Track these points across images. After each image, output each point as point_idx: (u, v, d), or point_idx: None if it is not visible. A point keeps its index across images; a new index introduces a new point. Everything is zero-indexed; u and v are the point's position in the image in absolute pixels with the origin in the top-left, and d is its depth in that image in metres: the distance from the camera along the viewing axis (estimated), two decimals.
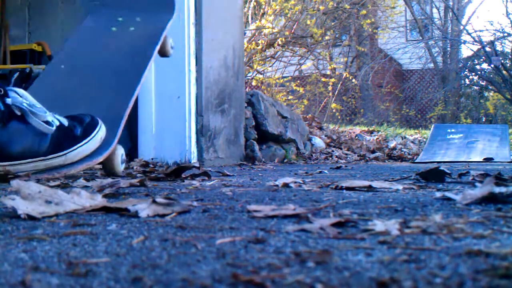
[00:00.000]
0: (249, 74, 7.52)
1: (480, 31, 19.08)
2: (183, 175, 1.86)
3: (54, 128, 1.63)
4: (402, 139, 7.32)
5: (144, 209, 0.91)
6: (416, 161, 4.49)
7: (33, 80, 3.64)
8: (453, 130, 5.79)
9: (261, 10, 7.27)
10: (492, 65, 11.86)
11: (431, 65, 15.38)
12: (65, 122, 1.67)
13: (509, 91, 12.23)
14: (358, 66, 14.16)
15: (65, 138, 1.65)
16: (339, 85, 10.10)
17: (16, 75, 3.57)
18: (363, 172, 2.41)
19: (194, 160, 3.17)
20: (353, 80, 11.29)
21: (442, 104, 15.07)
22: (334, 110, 10.31)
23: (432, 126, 6.17)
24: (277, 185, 1.50)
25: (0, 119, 1.54)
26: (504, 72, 12.06)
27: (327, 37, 8.63)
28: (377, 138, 6.88)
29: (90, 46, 2.04)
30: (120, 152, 1.84)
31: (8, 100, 1.62)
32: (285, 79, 8.63)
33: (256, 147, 3.93)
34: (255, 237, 0.69)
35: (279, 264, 0.54)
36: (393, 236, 0.68)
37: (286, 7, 7.19)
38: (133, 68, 1.66)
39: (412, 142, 7.38)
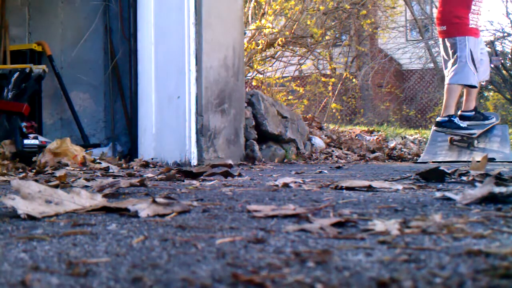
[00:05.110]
0: (249, 74, 7.51)
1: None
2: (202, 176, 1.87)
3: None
4: (402, 139, 7.32)
5: (144, 209, 0.91)
6: (418, 161, 4.51)
7: (33, 80, 3.65)
8: None
9: (261, 10, 7.26)
10: (492, 65, 11.86)
11: (431, 65, 15.38)
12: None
13: (509, 91, 12.23)
14: (358, 66, 14.15)
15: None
16: (339, 85, 10.09)
17: (16, 75, 3.57)
18: (363, 172, 2.41)
19: (194, 160, 3.16)
20: (353, 80, 11.28)
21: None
22: (334, 110, 10.31)
23: (433, 126, 6.16)
24: (277, 185, 1.50)
25: None
26: (504, 72, 12.06)
27: (327, 37, 8.62)
28: (377, 138, 6.88)
29: None
30: None
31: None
32: (285, 79, 8.62)
33: (256, 147, 3.92)
34: (255, 237, 0.69)
35: (279, 264, 0.54)
36: (393, 236, 0.68)
37: (286, 7, 7.18)
38: None
39: (412, 142, 7.38)
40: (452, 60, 4.49)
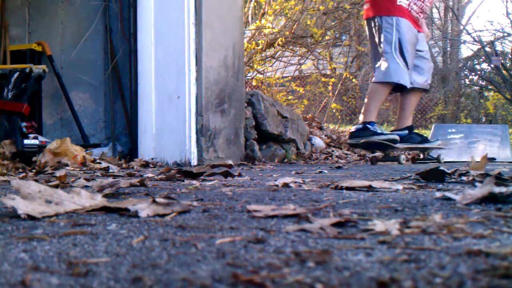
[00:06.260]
0: (249, 74, 7.51)
1: (480, 31, 19.10)
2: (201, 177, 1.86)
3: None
4: None
5: (144, 209, 0.91)
6: (418, 161, 4.48)
7: (33, 80, 3.65)
8: (453, 130, 5.78)
9: (261, 10, 7.26)
10: (492, 65, 11.85)
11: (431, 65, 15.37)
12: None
13: (509, 91, 12.22)
14: (358, 66, 14.14)
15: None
16: (339, 85, 10.09)
17: (16, 75, 3.57)
18: (363, 172, 2.41)
19: (194, 160, 3.16)
20: (353, 80, 11.27)
21: (442, 104, 15.07)
22: (334, 110, 10.30)
23: (433, 126, 6.16)
24: (277, 185, 1.50)
25: None
26: (504, 72, 12.04)
27: (327, 37, 8.61)
28: None
29: None
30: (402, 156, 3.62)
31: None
32: (285, 79, 8.61)
33: (256, 147, 3.92)
34: (255, 237, 0.69)
35: (279, 264, 0.54)
36: (393, 236, 0.68)
37: (286, 7, 7.18)
38: None
39: None
40: (378, 51, 3.58)
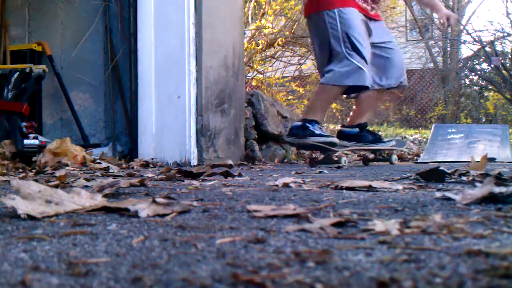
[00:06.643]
0: (249, 74, 7.51)
1: (480, 31, 19.07)
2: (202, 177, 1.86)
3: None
4: (402, 139, 7.32)
5: (144, 209, 0.91)
6: (418, 161, 4.44)
7: (33, 80, 3.65)
8: (453, 130, 5.77)
9: (261, 10, 7.26)
10: (492, 65, 11.85)
11: (431, 65, 15.39)
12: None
13: (509, 91, 12.22)
14: None
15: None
16: None
17: (16, 75, 3.57)
18: (363, 172, 2.41)
19: (194, 160, 3.16)
20: None
21: (442, 104, 15.09)
22: (334, 110, 10.31)
23: (433, 126, 6.16)
24: (277, 185, 1.50)
25: None
26: (504, 72, 12.04)
27: None
28: None
29: None
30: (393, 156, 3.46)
31: None
32: (285, 79, 8.63)
33: (256, 147, 3.92)
34: (255, 237, 0.69)
35: (279, 264, 0.54)
36: (393, 236, 0.68)
37: (286, 7, 7.19)
38: None
39: (412, 142, 7.38)
40: (327, 53, 3.10)
